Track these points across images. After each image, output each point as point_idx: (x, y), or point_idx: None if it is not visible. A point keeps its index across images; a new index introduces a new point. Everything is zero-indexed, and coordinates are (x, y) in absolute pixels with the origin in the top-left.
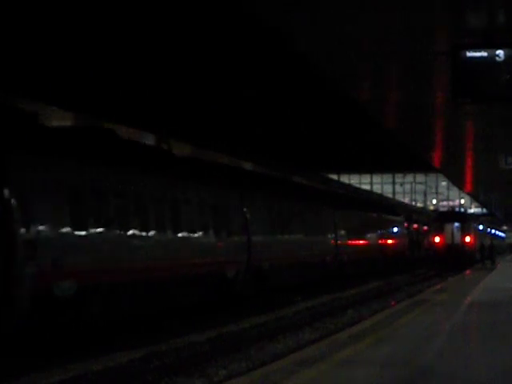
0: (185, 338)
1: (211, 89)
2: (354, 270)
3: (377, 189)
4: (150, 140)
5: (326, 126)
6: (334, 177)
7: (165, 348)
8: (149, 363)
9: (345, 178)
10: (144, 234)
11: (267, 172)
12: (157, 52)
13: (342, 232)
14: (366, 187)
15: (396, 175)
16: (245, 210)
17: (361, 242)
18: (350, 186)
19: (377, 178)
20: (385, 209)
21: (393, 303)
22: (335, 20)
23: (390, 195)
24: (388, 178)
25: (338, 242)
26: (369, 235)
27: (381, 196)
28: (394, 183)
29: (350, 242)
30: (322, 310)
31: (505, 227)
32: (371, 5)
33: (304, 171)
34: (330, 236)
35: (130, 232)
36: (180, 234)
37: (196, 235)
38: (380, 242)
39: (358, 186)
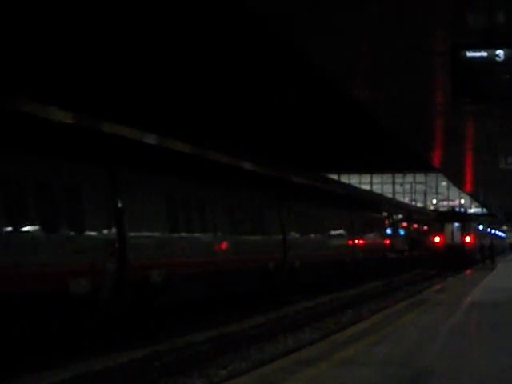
0: (185, 338)
1: (211, 88)
2: (306, 277)
3: (377, 189)
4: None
5: (326, 126)
6: (334, 177)
7: (165, 348)
8: (149, 363)
9: (345, 178)
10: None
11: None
12: (162, 53)
13: (291, 229)
14: (366, 187)
15: (396, 175)
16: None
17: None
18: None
19: (377, 178)
20: (360, 204)
21: (392, 303)
22: (335, 20)
23: (390, 195)
24: (388, 177)
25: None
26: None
27: (355, 189)
28: (394, 183)
29: (301, 241)
30: (322, 310)
31: (505, 227)
32: (371, 4)
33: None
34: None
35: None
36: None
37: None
38: (349, 242)
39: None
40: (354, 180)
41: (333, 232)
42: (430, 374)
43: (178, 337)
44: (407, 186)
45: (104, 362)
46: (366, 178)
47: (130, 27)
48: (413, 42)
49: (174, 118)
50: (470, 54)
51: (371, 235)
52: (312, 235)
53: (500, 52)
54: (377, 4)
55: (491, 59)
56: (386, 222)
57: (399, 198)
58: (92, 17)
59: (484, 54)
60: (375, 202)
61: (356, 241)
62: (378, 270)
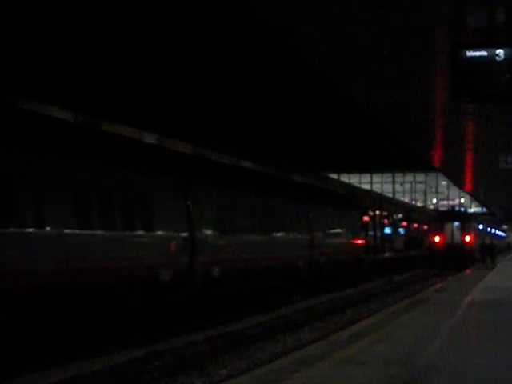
0: (185, 338)
1: (211, 88)
2: (226, 290)
3: (377, 188)
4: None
5: (326, 126)
6: (334, 176)
7: (165, 348)
8: (149, 363)
9: (345, 178)
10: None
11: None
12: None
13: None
14: (366, 187)
15: (396, 175)
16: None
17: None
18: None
19: (377, 178)
20: (322, 196)
21: (392, 302)
22: (335, 19)
23: (390, 194)
24: (388, 177)
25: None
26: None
27: (317, 176)
28: (393, 182)
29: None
30: (322, 310)
31: (505, 227)
32: (371, 4)
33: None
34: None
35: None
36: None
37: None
38: (304, 243)
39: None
40: (354, 180)
41: (278, 230)
42: (430, 373)
43: (177, 337)
44: (407, 186)
45: (104, 361)
46: (366, 178)
47: (133, 32)
48: (413, 41)
49: (173, 118)
50: (469, 53)
51: (339, 234)
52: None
53: (500, 52)
54: (377, 4)
55: (491, 59)
56: (367, 218)
57: (399, 197)
58: (96, 17)
59: (484, 53)
60: (346, 194)
61: (315, 241)
62: (349, 275)
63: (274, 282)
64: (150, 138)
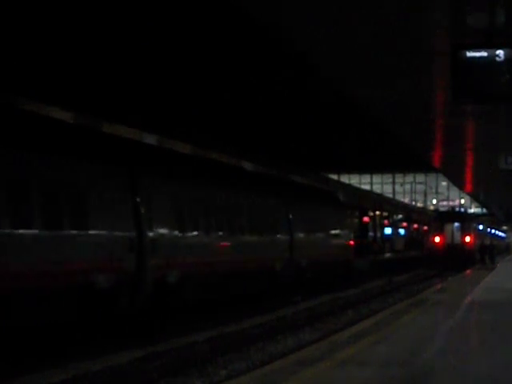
0: (185, 339)
1: (211, 87)
2: (184, 297)
3: (377, 189)
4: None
5: (326, 126)
6: (334, 177)
7: (165, 348)
8: (149, 363)
9: (345, 178)
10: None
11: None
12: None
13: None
14: (366, 187)
15: (396, 175)
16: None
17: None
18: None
19: (377, 178)
20: (305, 192)
21: (392, 303)
22: (335, 19)
23: (390, 195)
24: (388, 178)
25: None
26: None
27: (299, 171)
28: (394, 183)
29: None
30: (322, 310)
31: (505, 227)
32: (371, 4)
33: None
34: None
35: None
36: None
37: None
38: (282, 244)
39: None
40: (354, 180)
41: (251, 229)
42: (430, 374)
43: (177, 337)
44: (407, 186)
45: (104, 362)
46: (366, 178)
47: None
48: (413, 41)
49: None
50: (469, 53)
51: (325, 234)
52: (203, 233)
53: (500, 52)
54: (377, 4)
55: (491, 59)
56: (366, 218)
57: (399, 198)
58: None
59: (484, 54)
60: (333, 191)
61: (296, 242)
62: (337, 279)
63: (245, 287)
64: (84, 120)
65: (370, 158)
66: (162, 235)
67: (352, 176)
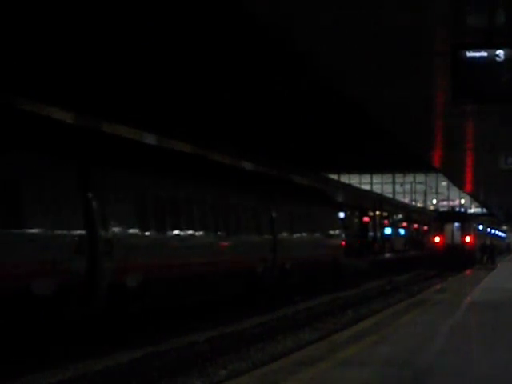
0: (185, 338)
1: (211, 87)
2: (147, 303)
3: (377, 189)
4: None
5: (326, 126)
6: (334, 177)
7: (165, 348)
8: (149, 363)
9: (345, 178)
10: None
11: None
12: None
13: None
14: (366, 187)
15: (396, 175)
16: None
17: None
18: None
19: (377, 178)
20: (289, 187)
21: (392, 303)
22: (335, 19)
23: (390, 195)
24: (388, 178)
25: None
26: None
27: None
28: (394, 183)
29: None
30: (322, 310)
31: (505, 227)
32: (371, 4)
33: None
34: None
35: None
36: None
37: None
38: (264, 244)
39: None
40: (354, 180)
41: (228, 228)
42: (430, 374)
43: (177, 337)
44: (407, 186)
45: (104, 362)
46: (366, 178)
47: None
48: (413, 41)
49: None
50: (469, 53)
51: (312, 234)
52: (171, 232)
53: (500, 52)
54: (377, 4)
55: (491, 59)
56: (365, 217)
57: (399, 198)
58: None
59: (484, 54)
60: (322, 189)
61: (280, 242)
62: (326, 281)
63: (221, 291)
64: (23, 104)
65: (370, 158)
66: (120, 234)
67: (352, 176)
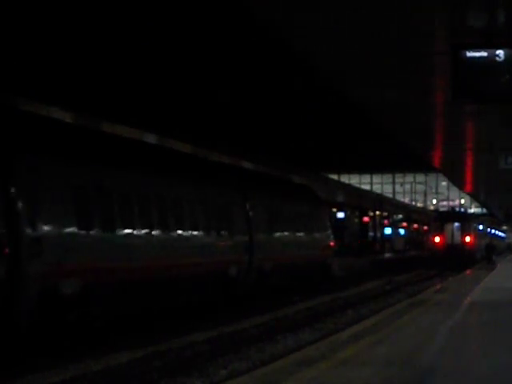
0: (185, 338)
1: (212, 87)
2: (89, 313)
3: (377, 189)
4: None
5: (326, 126)
6: (334, 177)
7: (165, 348)
8: (149, 363)
9: (345, 178)
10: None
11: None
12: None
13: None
14: (366, 187)
15: (396, 175)
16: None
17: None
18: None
19: (377, 178)
20: (268, 183)
21: (393, 303)
22: (335, 20)
23: (390, 195)
24: (388, 178)
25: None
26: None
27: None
28: (394, 183)
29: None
30: (322, 310)
31: (505, 227)
32: (371, 5)
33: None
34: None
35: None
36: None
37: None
38: (239, 244)
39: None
40: (354, 180)
41: (192, 226)
42: (431, 374)
43: (177, 337)
44: (407, 186)
45: (104, 362)
46: (366, 178)
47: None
48: (413, 41)
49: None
50: (469, 54)
51: (295, 233)
52: (120, 231)
53: (500, 52)
54: (377, 4)
55: (491, 59)
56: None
57: (399, 198)
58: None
59: (484, 54)
60: (308, 184)
61: (257, 242)
62: (312, 285)
63: (186, 298)
64: None
65: (370, 158)
66: (52, 233)
67: (352, 176)
